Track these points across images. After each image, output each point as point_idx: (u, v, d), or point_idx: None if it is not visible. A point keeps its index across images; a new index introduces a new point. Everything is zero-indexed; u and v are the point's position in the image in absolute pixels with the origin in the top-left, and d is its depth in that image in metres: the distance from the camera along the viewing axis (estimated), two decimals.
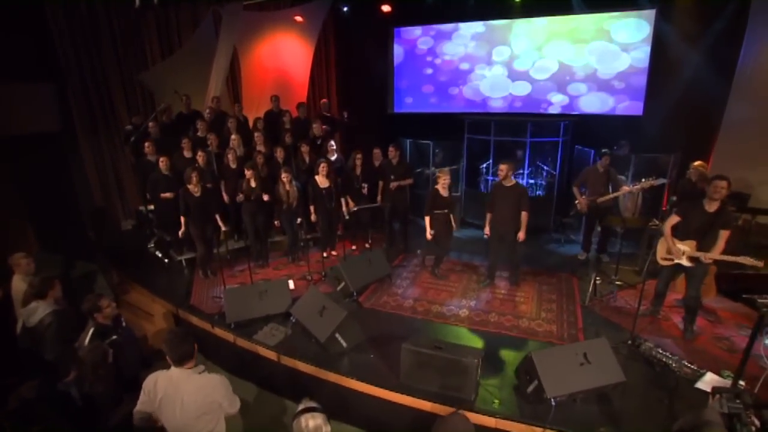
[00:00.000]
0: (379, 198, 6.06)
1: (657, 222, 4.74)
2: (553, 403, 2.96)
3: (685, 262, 3.79)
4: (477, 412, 3.04)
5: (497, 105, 8.05)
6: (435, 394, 3.19)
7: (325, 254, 5.79)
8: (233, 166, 5.75)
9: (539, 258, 5.92)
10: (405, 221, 6.27)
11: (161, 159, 5.38)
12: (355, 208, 5.76)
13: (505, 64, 7.82)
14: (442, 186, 4.98)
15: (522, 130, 6.86)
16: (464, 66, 8.20)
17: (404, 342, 3.30)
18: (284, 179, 5.30)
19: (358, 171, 6.00)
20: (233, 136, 6.06)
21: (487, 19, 7.76)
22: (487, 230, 4.99)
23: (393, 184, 5.87)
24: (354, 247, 6.28)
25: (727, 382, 3.17)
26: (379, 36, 8.72)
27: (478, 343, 3.97)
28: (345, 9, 8.38)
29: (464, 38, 8.10)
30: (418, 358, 3.23)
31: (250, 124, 6.94)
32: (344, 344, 3.79)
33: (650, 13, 6.58)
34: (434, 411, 3.12)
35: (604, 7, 6.86)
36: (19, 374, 3.00)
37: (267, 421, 3.65)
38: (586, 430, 2.90)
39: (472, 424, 2.52)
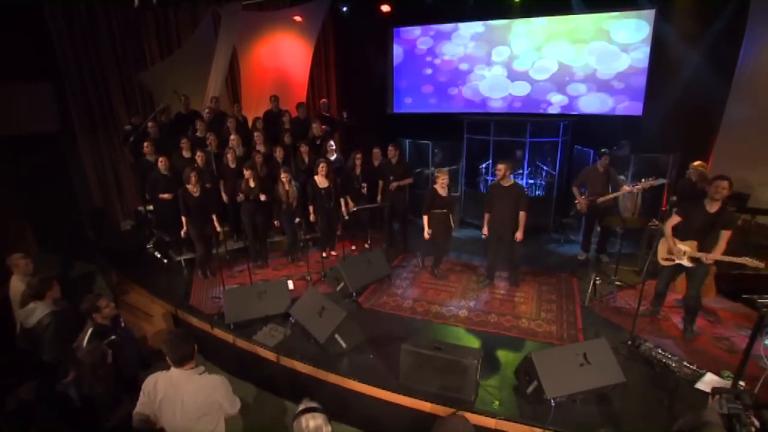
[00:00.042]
0: (378, 198, 6.06)
1: (657, 222, 4.74)
2: (553, 404, 2.96)
3: (686, 263, 3.78)
4: (477, 413, 3.04)
5: (497, 105, 8.05)
6: (434, 394, 3.19)
7: (324, 254, 5.79)
8: (232, 166, 5.74)
9: (539, 258, 5.92)
10: (404, 221, 6.27)
11: (160, 159, 5.37)
12: (355, 208, 5.75)
13: (505, 65, 7.81)
14: (441, 185, 4.98)
15: (521, 130, 6.85)
16: (464, 66, 8.20)
17: (404, 342, 3.30)
18: (283, 179, 5.31)
19: (358, 171, 6.00)
20: (232, 136, 6.06)
21: (487, 20, 7.76)
22: (485, 230, 4.99)
23: (393, 184, 5.86)
24: (353, 248, 6.27)
25: (726, 383, 3.17)
26: (378, 36, 8.70)
27: (477, 343, 3.97)
28: (344, 9, 8.37)
29: (464, 38, 8.09)
30: (417, 358, 3.23)
31: (250, 124, 6.93)
32: (344, 345, 3.79)
33: (650, 14, 6.58)
34: (434, 412, 3.12)
35: (603, 8, 6.86)
36: (18, 375, 2.98)
37: (267, 422, 3.64)
38: (586, 431, 2.90)
39: (471, 425, 2.50)
